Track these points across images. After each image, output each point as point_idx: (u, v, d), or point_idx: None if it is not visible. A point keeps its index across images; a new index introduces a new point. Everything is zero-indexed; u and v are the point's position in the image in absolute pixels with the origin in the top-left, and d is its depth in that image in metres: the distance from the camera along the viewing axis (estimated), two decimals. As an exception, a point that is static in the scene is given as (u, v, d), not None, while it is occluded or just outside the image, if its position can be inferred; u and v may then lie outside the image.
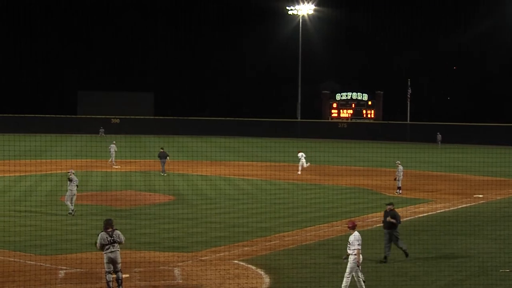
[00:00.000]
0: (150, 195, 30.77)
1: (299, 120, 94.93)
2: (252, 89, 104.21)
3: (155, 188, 33.28)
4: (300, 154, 43.31)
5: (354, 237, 15.29)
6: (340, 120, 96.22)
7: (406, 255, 18.77)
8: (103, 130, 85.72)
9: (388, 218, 18.58)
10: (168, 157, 40.89)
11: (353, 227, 15.53)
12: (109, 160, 45.66)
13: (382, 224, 18.98)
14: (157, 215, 25.46)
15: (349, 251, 15.27)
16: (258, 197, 31.19)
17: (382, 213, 26.90)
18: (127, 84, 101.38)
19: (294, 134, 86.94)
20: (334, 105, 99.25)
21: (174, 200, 29.98)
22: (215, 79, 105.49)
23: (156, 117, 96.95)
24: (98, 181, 35.92)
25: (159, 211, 26.32)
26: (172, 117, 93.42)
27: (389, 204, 18.92)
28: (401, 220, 19.21)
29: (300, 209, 27.60)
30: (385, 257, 18.50)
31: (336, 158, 46.62)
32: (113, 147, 46.30)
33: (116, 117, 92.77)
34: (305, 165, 42.86)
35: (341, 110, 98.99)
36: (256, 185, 36.14)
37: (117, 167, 44.65)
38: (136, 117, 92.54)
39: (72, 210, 25.29)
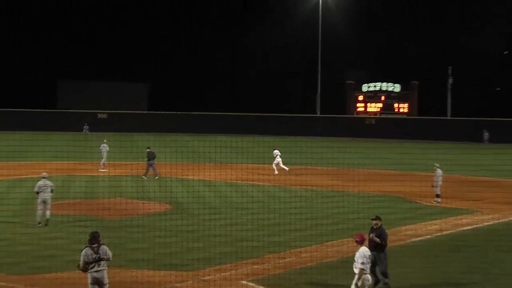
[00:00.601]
0: (143, 203, 30.81)
1: (318, 115, 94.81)
2: (264, 80, 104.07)
3: (149, 195, 33.33)
4: (275, 152, 44.96)
5: (359, 253, 15.26)
6: (367, 116, 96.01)
7: (377, 283, 17.61)
8: (87, 127, 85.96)
9: (372, 235, 17.83)
10: (155, 158, 41.81)
11: (361, 241, 15.46)
12: (101, 162, 46.15)
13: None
14: (152, 227, 25.51)
15: (355, 270, 15.23)
16: (271, 206, 31.19)
17: (416, 225, 27.09)
18: (116, 72, 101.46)
19: (313, 132, 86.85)
20: (360, 97, 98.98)
21: (171, 209, 30.05)
22: (220, 68, 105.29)
23: (150, 112, 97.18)
24: (81, 186, 36.03)
25: (154, 222, 26.36)
26: (169, 112, 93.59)
27: (374, 219, 18.25)
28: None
29: (320, 221, 27.56)
30: (375, 283, 17.99)
31: (362, 160, 46.49)
32: (104, 147, 46.60)
33: (103, 111, 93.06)
34: (281, 164, 44.87)
35: (368, 104, 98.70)
36: (268, 192, 36.14)
37: (104, 170, 44.78)
38: (127, 111, 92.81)
39: (47, 220, 25.58)
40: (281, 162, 45.45)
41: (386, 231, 18.28)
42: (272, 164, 45.70)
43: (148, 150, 42.24)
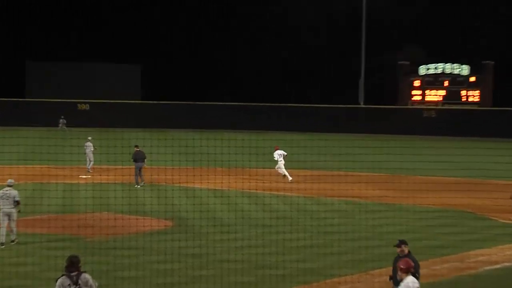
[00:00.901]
0: (136, 219, 30.97)
1: (362, 106, 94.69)
2: (290, 62, 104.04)
3: (145, 209, 33.50)
4: (277, 154, 45.13)
5: (405, 284, 15.25)
6: (425, 106, 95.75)
7: None
8: (64, 121, 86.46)
9: (398, 264, 17.43)
10: (145, 160, 42.52)
11: (406, 270, 15.41)
12: (88, 166, 47.20)
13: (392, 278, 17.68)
14: (147, 250, 25.64)
15: None
16: (300, 223, 31.21)
17: (490, 249, 26.96)
18: (101, 51, 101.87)
19: (355, 128, 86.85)
20: (417, 83, 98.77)
21: (172, 226, 30.17)
22: (233, 45, 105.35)
23: (144, 102, 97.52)
24: (58, 197, 36.20)
25: (150, 243, 26.49)
26: (168, 102, 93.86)
27: (399, 245, 17.76)
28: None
29: (364, 242, 27.54)
30: None
31: (419, 164, 46.22)
32: (89, 147, 47.35)
33: (85, 101, 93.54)
34: (281, 168, 45.15)
35: (427, 91, 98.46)
36: (296, 205, 36.15)
37: (86, 176, 45.12)
38: (115, 101, 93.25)
39: (12, 240, 25.86)
40: (282, 166, 45.39)
41: (418, 261, 17.95)
42: (280, 169, 45.51)
43: (136, 149, 42.52)
